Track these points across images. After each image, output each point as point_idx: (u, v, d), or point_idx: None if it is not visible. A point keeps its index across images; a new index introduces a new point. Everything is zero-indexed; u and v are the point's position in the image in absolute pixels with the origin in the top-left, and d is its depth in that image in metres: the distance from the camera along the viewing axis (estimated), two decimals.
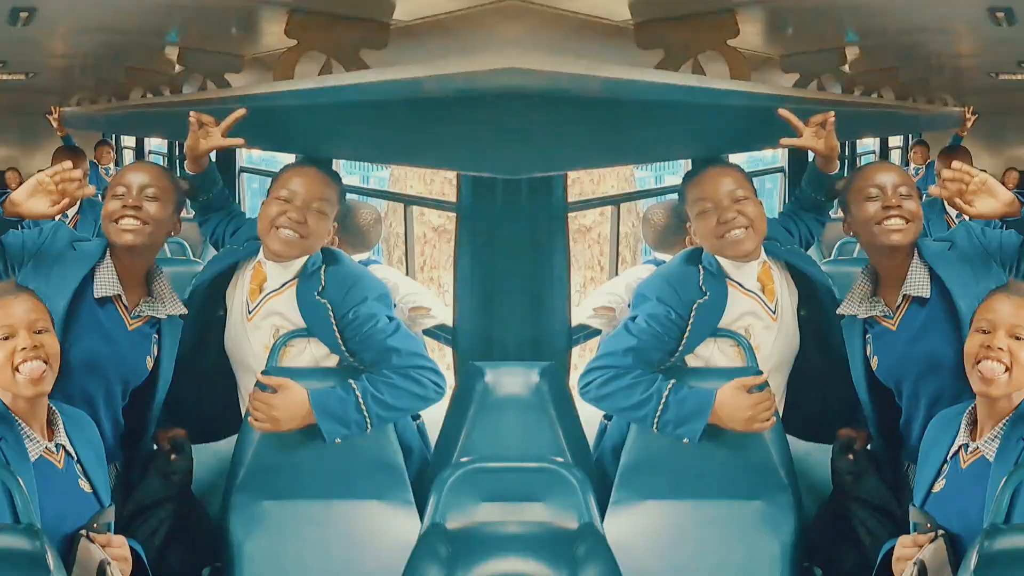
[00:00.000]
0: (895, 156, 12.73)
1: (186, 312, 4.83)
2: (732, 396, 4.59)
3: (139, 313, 4.76)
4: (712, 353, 4.84)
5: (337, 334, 4.71)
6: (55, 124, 9.69)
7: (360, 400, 4.57)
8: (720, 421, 4.59)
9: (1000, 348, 3.91)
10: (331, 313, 4.72)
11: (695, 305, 4.73)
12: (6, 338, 3.90)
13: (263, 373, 4.74)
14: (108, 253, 4.75)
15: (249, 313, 4.87)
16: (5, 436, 3.87)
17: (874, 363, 4.78)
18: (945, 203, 4.83)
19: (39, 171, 4.58)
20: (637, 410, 4.61)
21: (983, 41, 6.02)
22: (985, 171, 4.52)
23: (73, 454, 4.02)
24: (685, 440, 4.60)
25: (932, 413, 4.63)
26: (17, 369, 3.89)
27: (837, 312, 4.79)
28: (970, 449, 4.00)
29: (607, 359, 4.72)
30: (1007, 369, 3.91)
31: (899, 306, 4.72)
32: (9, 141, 9.77)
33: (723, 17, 4.96)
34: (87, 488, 4.00)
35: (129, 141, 12.73)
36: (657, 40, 4.97)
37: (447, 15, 4.77)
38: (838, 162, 5.00)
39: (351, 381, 4.60)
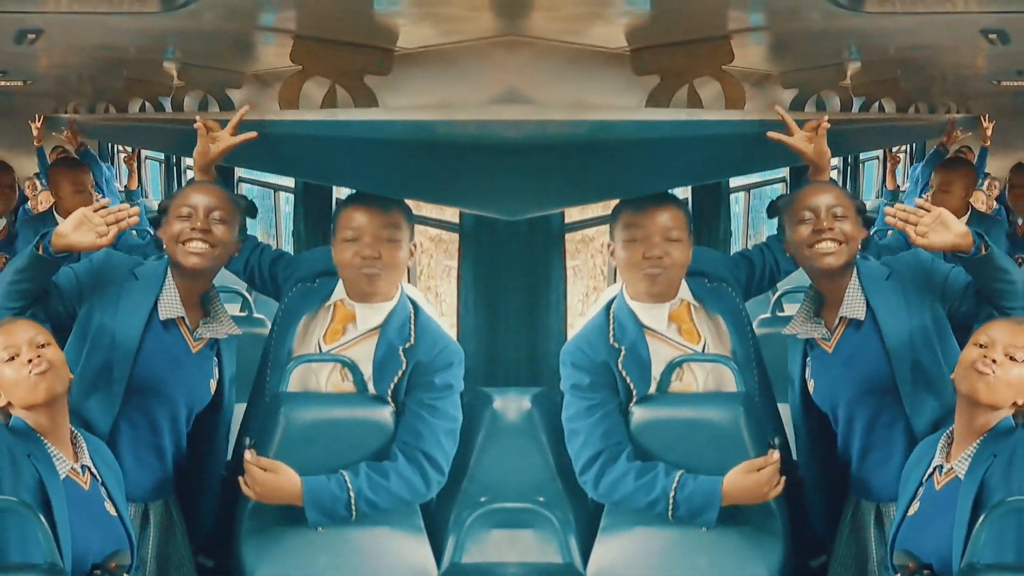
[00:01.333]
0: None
1: (239, 332, 4.83)
2: (744, 481, 4.58)
3: (200, 335, 4.74)
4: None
5: (392, 388, 4.72)
6: (35, 133, 9.67)
7: (352, 500, 4.57)
8: (735, 502, 4.60)
9: (994, 360, 3.98)
10: (403, 370, 4.72)
11: (618, 363, 4.74)
12: (12, 358, 4.04)
13: (272, 395, 4.75)
14: (169, 274, 4.72)
15: (323, 351, 4.84)
16: (34, 453, 3.96)
17: (811, 387, 4.78)
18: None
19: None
20: (651, 509, 4.64)
21: (983, 55, 6.03)
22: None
23: (98, 476, 4.10)
24: (703, 529, 4.62)
25: (868, 439, 4.68)
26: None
27: (783, 332, 4.82)
28: (944, 470, 4.07)
29: (582, 467, 4.73)
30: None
31: (836, 328, 4.72)
32: (3, 144, 9.76)
33: (718, 43, 4.96)
34: (112, 511, 4.08)
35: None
36: (653, 66, 4.98)
37: (452, 45, 4.79)
38: (829, 173, 5.01)
39: (346, 477, 4.57)
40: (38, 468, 3.95)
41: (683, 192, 7.52)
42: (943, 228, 4.43)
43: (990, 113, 9.31)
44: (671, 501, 4.59)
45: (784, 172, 10.50)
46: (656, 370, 4.80)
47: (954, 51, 5.87)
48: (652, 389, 4.80)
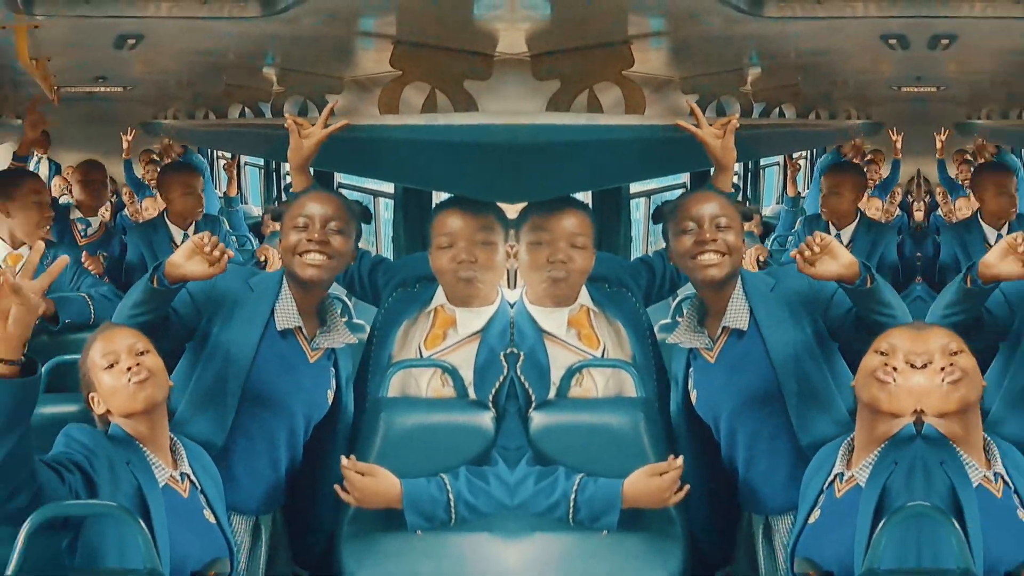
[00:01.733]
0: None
1: (356, 341, 4.80)
2: (645, 484, 4.54)
3: (318, 344, 4.69)
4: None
5: (493, 392, 4.70)
6: (124, 146, 9.77)
7: (451, 502, 4.52)
8: (636, 505, 4.56)
9: (895, 367, 3.97)
10: (504, 375, 4.69)
11: (516, 367, 4.73)
12: (111, 366, 4.04)
13: (372, 400, 4.73)
14: (285, 284, 4.66)
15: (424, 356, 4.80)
16: (132, 460, 3.96)
17: (693, 397, 4.77)
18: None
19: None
20: (552, 513, 4.61)
21: (882, 61, 6.07)
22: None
23: (197, 484, 4.10)
24: (604, 532, 4.58)
25: (752, 451, 4.67)
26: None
27: (667, 341, 4.81)
28: (845, 478, 4.07)
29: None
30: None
31: (719, 337, 4.70)
32: (101, 150, 9.65)
33: (618, 48, 4.96)
34: (211, 519, 4.08)
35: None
36: (553, 71, 4.97)
37: None
38: (733, 177, 4.98)
39: (445, 480, 4.53)
40: (137, 476, 3.94)
41: (583, 197, 7.52)
42: (829, 258, 4.38)
43: (889, 119, 9.37)
44: (572, 504, 4.57)
45: (685, 178, 10.53)
46: (555, 375, 4.77)
47: (855, 56, 5.91)
48: (552, 394, 4.76)
